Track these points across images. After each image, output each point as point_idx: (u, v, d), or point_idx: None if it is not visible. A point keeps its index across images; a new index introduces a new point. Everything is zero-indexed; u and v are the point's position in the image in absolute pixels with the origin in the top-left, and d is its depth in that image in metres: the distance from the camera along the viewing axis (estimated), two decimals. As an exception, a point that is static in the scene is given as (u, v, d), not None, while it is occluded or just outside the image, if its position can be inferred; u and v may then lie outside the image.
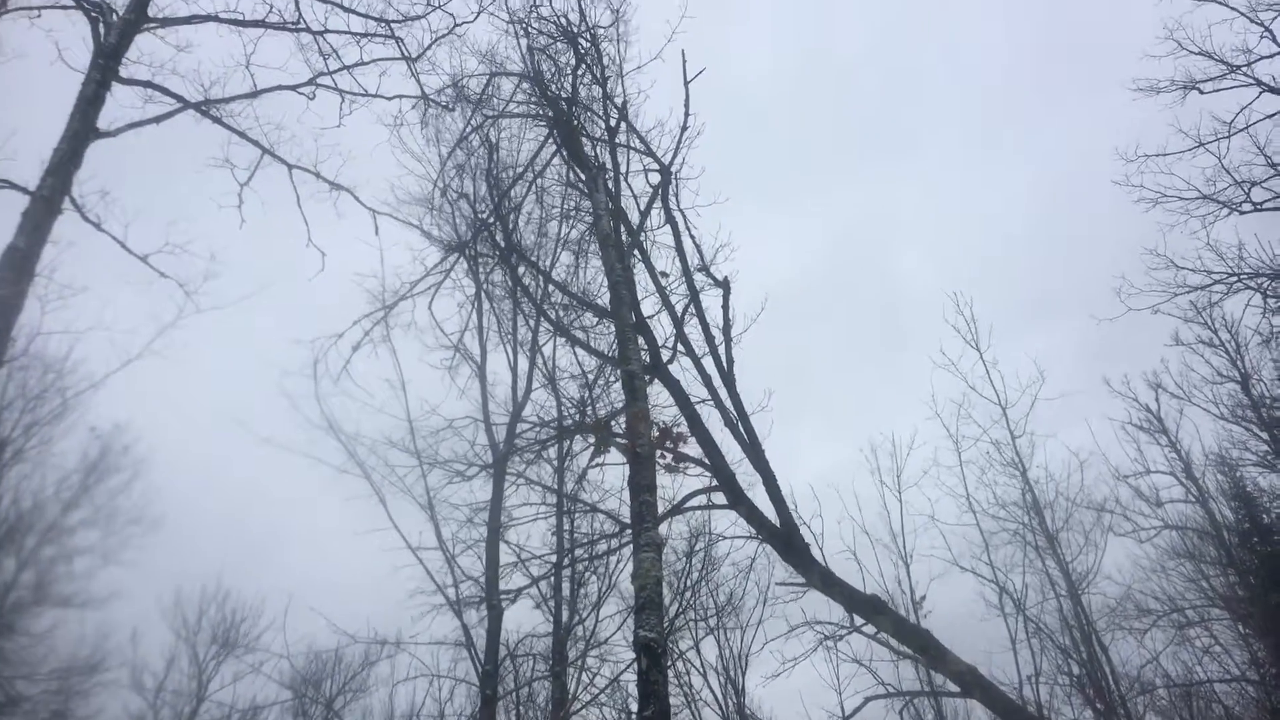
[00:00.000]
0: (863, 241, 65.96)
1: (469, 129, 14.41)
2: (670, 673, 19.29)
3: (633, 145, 12.92)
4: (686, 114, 12.14)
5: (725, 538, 18.33)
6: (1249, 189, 17.21)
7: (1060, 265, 50.97)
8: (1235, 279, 17.94)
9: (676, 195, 12.29)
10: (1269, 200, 17.15)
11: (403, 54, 15.39)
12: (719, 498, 10.48)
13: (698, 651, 21.82)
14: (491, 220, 13.86)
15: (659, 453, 10.12)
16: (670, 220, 11.96)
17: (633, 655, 7.67)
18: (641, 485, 8.37)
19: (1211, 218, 17.63)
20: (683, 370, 11.33)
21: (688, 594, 19.74)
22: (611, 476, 17.69)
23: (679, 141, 12.21)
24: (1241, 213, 17.45)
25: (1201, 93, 17.38)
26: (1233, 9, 16.89)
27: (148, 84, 13.33)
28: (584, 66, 13.14)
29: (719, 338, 11.28)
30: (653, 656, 6.80)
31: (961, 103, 69.95)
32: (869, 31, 75.85)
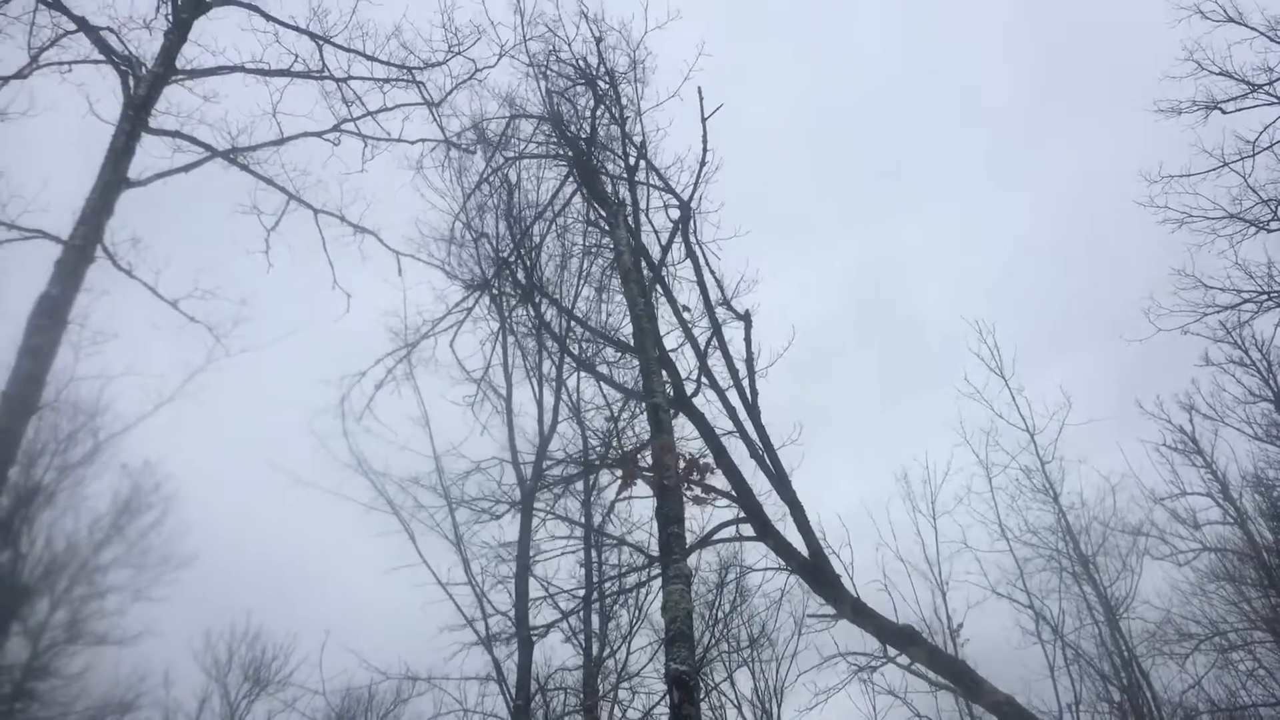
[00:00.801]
0: (883, 280, 65.81)
1: (489, 170, 14.58)
2: (704, 705, 19.15)
3: (652, 183, 13.01)
4: (705, 150, 12.18)
5: (755, 569, 18.21)
6: (1276, 207, 17.08)
7: (1083, 292, 50.50)
8: (1265, 297, 17.76)
9: (697, 230, 12.34)
10: (1297, 218, 17.01)
11: (424, 99, 15.68)
12: (747, 529, 10.44)
13: (731, 683, 21.64)
14: (513, 259, 13.99)
15: (686, 485, 10.13)
16: (691, 255, 12.00)
17: (665, 687, 7.64)
18: (669, 517, 8.38)
19: (1239, 236, 17.49)
20: (708, 403, 11.34)
21: (719, 625, 19.61)
22: (639, 508, 17.69)
23: (698, 177, 12.24)
24: (1270, 231, 17.30)
25: (1224, 112, 17.29)
26: (1252, 29, 16.85)
27: (176, 134, 13.66)
28: (603, 108, 13.26)
29: (743, 371, 11.29)
30: (685, 689, 6.78)
31: (973, 133, 70.05)
32: (871, 65, 76.24)
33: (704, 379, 11.40)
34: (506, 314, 16.22)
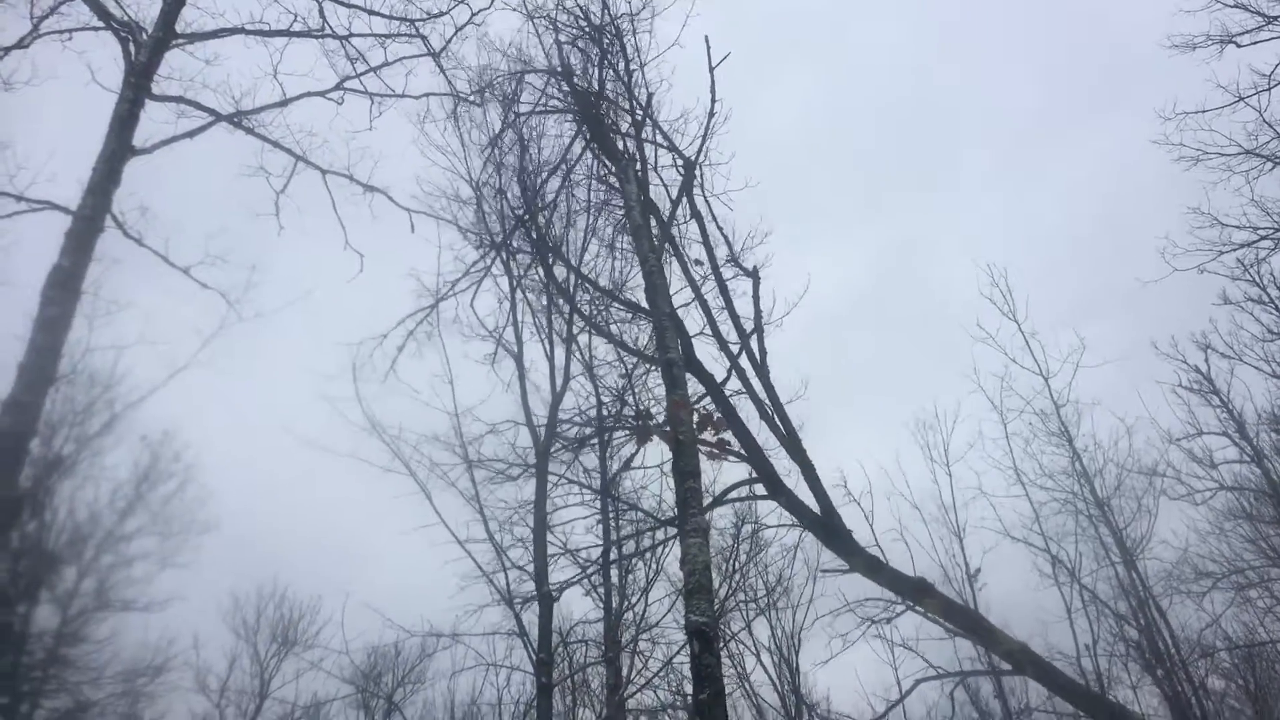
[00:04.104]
0: (905, 262, 65.64)
1: (505, 126, 14.39)
2: (723, 654, 19.38)
3: (657, 140, 12.73)
4: (713, 100, 11.78)
5: (767, 526, 18.32)
6: (1293, 142, 16.75)
7: (1103, 268, 50.14)
8: (1282, 233, 17.50)
9: (701, 188, 11.98)
10: (1315, 152, 16.68)
11: (428, 50, 15.48)
12: (759, 489, 10.45)
13: (750, 632, 21.90)
14: (525, 216, 13.88)
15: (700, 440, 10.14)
16: (696, 215, 11.74)
17: (684, 636, 7.74)
18: (685, 471, 8.40)
19: (1255, 173, 17.09)
20: (715, 362, 11.24)
21: (737, 576, 19.76)
22: (652, 471, 17.78)
23: (706, 129, 11.86)
24: (1286, 167, 16.98)
25: (1239, 46, 16.86)
26: (1267, -43, 16.39)
27: (180, 99, 13.56)
28: (608, 59, 13.04)
29: (751, 330, 11.17)
30: (705, 640, 6.85)
31: (995, 116, 69.36)
32: (892, 56, 75.50)
33: (715, 340, 11.29)
34: (519, 273, 16.17)
